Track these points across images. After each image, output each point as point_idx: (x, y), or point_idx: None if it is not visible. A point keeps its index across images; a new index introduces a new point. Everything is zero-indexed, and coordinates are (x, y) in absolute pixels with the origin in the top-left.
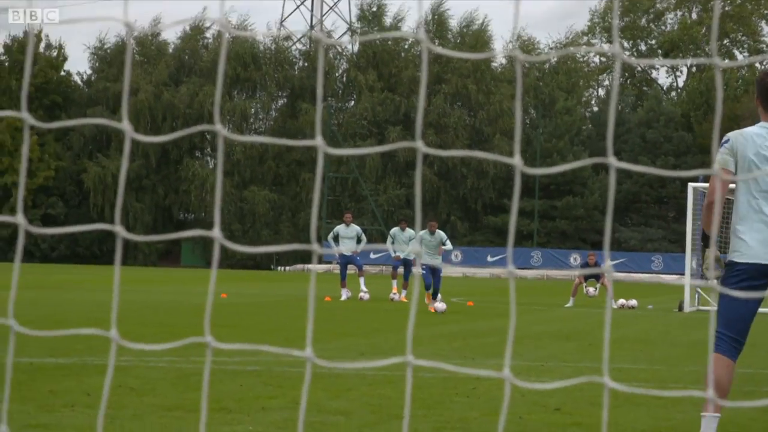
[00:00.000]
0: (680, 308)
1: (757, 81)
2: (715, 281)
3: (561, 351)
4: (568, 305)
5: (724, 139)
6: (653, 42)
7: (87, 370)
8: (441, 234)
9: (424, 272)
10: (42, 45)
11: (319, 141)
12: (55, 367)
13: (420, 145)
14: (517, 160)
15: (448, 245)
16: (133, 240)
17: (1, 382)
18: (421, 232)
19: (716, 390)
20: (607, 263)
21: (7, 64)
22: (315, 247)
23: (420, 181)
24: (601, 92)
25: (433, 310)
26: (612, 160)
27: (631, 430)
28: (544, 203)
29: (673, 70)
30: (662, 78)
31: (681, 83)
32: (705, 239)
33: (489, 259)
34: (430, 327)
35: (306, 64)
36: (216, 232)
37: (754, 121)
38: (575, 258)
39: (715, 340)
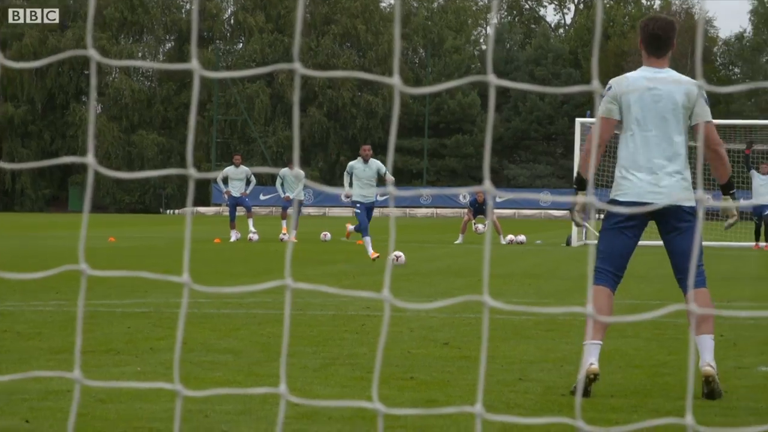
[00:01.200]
0: (568, 243)
1: (641, 27)
2: (585, 225)
3: (450, 287)
4: (457, 242)
5: (607, 86)
6: None
7: None
8: (377, 163)
9: (358, 212)
10: None
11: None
12: None
13: (298, 66)
14: (395, 80)
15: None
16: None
17: None
18: (352, 163)
19: (596, 319)
20: (490, 204)
21: None
22: (191, 171)
23: (298, 106)
24: (490, 31)
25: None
26: (492, 78)
27: (519, 361)
28: (434, 141)
29: (561, 6)
30: (550, 16)
31: (569, 20)
32: (579, 182)
33: (379, 198)
34: (318, 266)
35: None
36: (89, 159)
37: (639, 58)
38: (464, 196)
39: (595, 273)
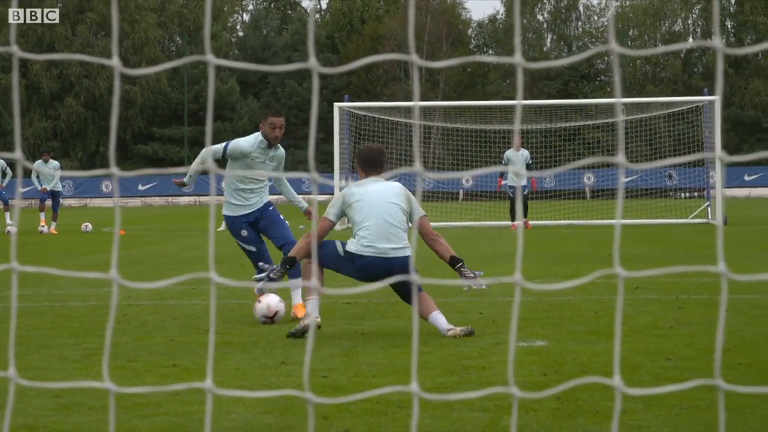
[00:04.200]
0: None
1: (359, 152)
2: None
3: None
4: (221, 229)
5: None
6: None
7: None
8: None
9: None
10: None
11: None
12: None
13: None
14: (114, 62)
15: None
16: None
17: None
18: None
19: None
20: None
21: None
22: None
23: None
24: (246, 17)
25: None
26: (210, 58)
27: (283, 345)
28: (194, 129)
29: None
30: (305, 1)
31: (325, 5)
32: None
33: (140, 187)
34: (79, 257)
35: None
36: None
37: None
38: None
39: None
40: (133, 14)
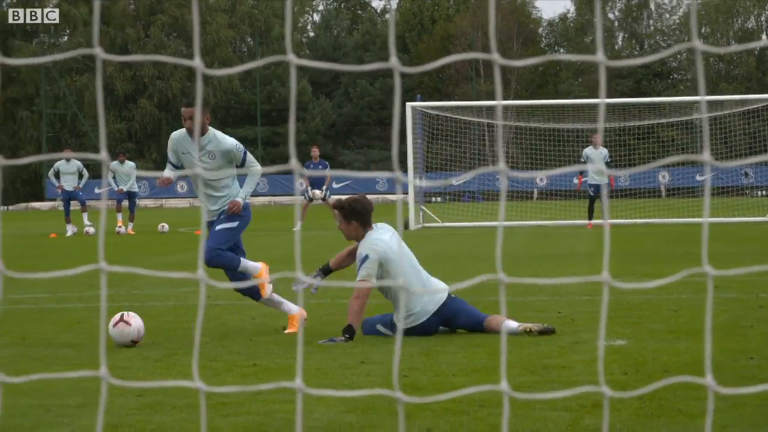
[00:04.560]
0: (406, 226)
1: (361, 206)
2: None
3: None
4: (296, 228)
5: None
6: None
7: None
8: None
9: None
10: None
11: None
12: None
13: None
14: (197, 63)
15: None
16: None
17: None
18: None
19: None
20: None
21: None
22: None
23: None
24: (317, 18)
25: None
26: (292, 58)
27: (362, 344)
28: (267, 130)
29: None
30: (375, 1)
31: (394, 5)
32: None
33: None
34: (156, 257)
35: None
36: None
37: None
38: (301, 183)
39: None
40: (204, 15)
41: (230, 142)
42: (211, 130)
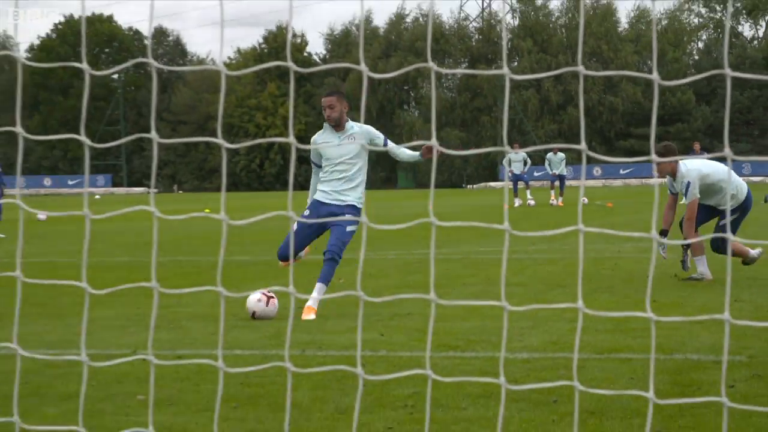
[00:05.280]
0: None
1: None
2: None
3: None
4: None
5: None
6: (738, 4)
7: None
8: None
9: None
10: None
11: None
12: None
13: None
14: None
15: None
16: None
17: None
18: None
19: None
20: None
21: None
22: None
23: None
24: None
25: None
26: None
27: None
28: (660, 129)
29: (755, 23)
30: (746, 31)
31: (761, 33)
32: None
33: (621, 171)
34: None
35: (480, 37)
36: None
37: None
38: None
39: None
40: (616, 44)
41: (370, 127)
42: (350, 121)
